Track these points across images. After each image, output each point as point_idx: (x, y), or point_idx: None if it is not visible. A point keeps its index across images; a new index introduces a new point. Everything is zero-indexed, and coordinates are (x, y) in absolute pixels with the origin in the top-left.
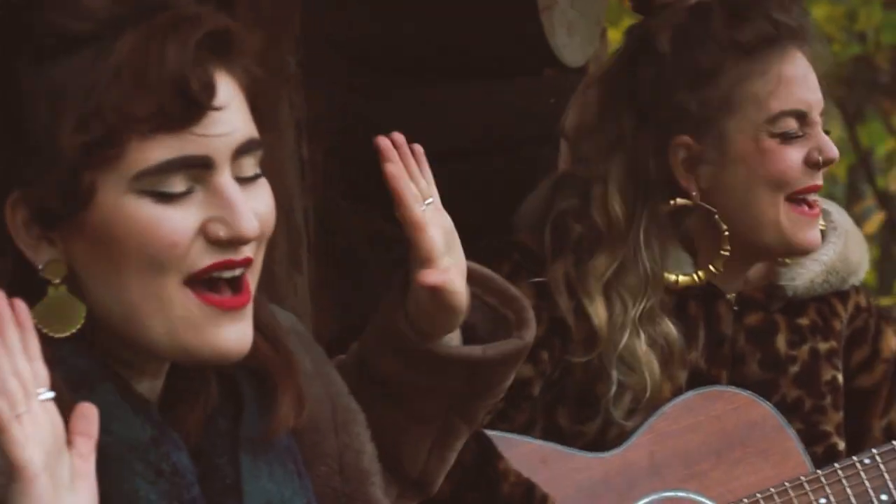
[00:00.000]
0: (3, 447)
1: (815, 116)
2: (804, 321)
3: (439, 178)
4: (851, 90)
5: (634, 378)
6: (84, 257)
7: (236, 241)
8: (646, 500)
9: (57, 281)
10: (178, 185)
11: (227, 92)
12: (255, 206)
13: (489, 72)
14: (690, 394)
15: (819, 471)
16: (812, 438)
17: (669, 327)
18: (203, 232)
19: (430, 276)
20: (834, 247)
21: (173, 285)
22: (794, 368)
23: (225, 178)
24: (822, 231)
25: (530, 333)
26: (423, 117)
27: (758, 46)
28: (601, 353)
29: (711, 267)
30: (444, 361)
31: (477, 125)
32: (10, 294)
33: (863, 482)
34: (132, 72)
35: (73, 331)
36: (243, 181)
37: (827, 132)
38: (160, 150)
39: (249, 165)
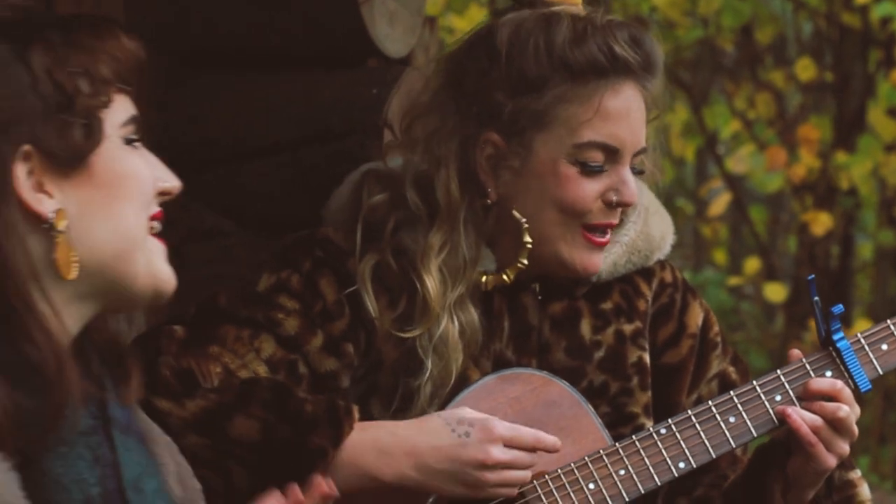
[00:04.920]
0: None
1: (626, 155)
2: (607, 305)
3: (265, 170)
4: (696, 73)
5: (440, 366)
6: (83, 201)
7: (172, 193)
8: None
9: (62, 228)
10: (133, 136)
11: None
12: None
13: (312, 63)
14: (489, 377)
15: (617, 443)
16: (619, 420)
17: (473, 316)
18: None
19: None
20: (634, 226)
21: (146, 220)
22: (599, 354)
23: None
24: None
25: None
26: (247, 110)
27: (586, 73)
28: (418, 338)
29: (508, 272)
30: None
31: (300, 117)
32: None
33: (660, 452)
34: (99, 41)
35: (76, 275)
36: None
37: (640, 172)
38: (127, 105)
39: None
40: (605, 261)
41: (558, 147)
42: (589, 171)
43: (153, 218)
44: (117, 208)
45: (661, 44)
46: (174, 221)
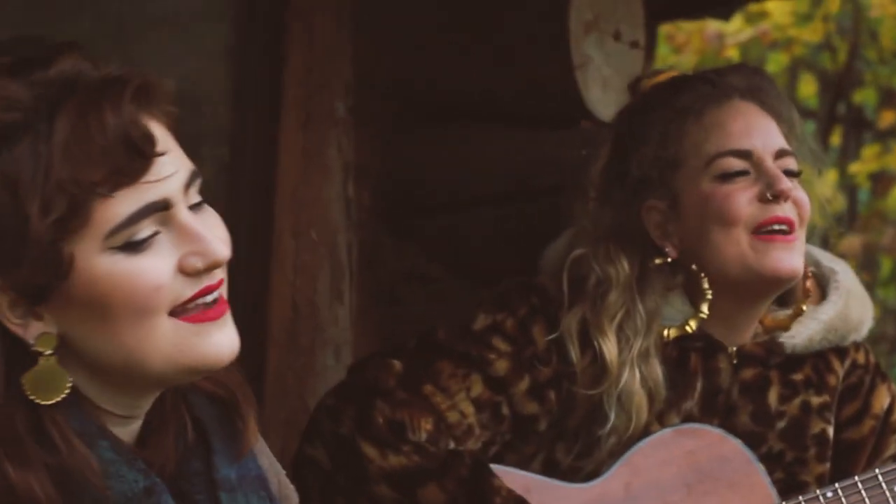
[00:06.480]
0: None
1: (764, 154)
2: (798, 376)
3: (477, 221)
4: None
5: (623, 419)
6: (75, 321)
7: (212, 268)
8: None
9: (49, 352)
10: (143, 231)
11: (162, 135)
12: (215, 233)
13: (529, 121)
14: (666, 430)
15: (784, 502)
16: (791, 487)
17: (657, 370)
18: (180, 268)
19: None
20: (834, 306)
21: (161, 321)
22: (782, 424)
23: (184, 213)
24: (821, 286)
25: None
26: (465, 162)
27: (695, 105)
28: (604, 392)
29: (691, 321)
30: None
31: (514, 172)
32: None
33: None
34: (79, 144)
35: (60, 398)
36: (193, 208)
37: (795, 174)
38: (123, 205)
39: (194, 194)
40: (801, 335)
41: (696, 174)
42: (730, 177)
43: (199, 295)
44: (109, 326)
45: None
46: (387, 263)
